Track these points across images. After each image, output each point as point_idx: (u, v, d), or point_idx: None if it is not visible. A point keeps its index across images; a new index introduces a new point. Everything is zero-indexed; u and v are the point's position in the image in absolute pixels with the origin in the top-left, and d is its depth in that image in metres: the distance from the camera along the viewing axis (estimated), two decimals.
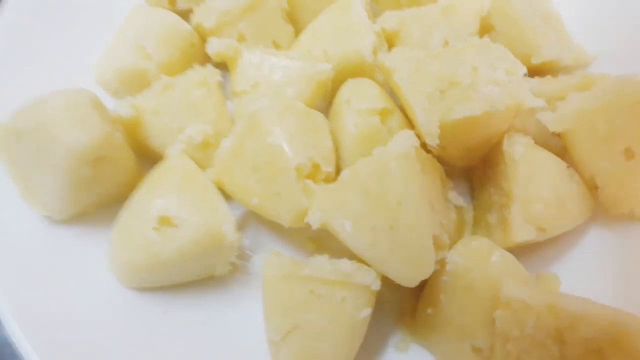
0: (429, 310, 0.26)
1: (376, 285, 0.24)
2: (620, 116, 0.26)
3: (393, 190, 0.24)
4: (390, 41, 0.32)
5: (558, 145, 0.29)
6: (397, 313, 0.28)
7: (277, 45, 0.33)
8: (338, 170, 0.28)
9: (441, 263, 0.25)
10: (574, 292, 0.26)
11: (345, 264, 0.25)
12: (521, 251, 0.28)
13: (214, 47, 0.30)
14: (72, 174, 0.26)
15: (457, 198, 0.30)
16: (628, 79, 0.27)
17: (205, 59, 0.32)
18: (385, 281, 0.26)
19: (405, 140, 0.25)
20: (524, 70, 0.27)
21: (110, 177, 0.27)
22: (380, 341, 0.27)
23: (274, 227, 0.29)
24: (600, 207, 0.29)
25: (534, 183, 0.27)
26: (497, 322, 0.24)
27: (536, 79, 0.30)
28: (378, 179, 0.24)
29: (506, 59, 0.28)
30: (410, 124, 0.28)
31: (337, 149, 0.29)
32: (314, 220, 0.25)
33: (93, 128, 0.26)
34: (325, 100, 0.31)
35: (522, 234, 0.26)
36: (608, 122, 0.27)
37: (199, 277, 0.28)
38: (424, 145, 0.27)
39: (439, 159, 0.29)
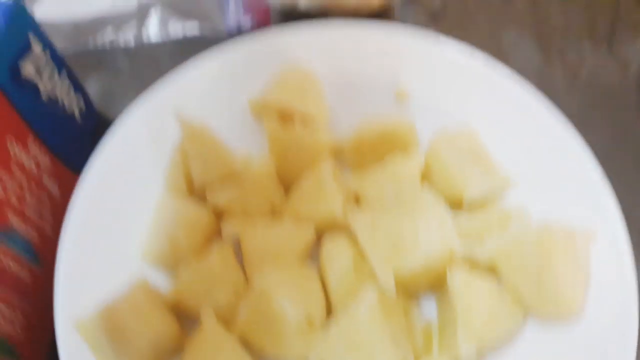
0: None
1: None
2: (525, 251, 0.36)
3: (362, 337, 0.34)
4: (355, 197, 0.42)
5: None
6: None
7: (273, 206, 0.43)
8: (330, 310, 0.38)
9: None
10: None
11: None
12: None
13: (227, 230, 0.40)
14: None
15: (420, 318, 0.39)
16: (528, 225, 0.37)
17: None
18: None
19: (367, 296, 0.35)
20: (451, 223, 0.37)
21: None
22: None
23: None
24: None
25: (472, 309, 0.36)
26: None
27: (464, 217, 0.40)
28: (352, 329, 0.34)
29: (439, 212, 0.37)
30: None
31: (326, 294, 0.39)
32: None
33: (155, 326, 0.36)
34: (315, 249, 0.41)
35: (466, 350, 0.35)
36: (519, 254, 0.36)
37: None
38: None
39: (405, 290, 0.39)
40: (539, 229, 0.36)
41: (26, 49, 0.39)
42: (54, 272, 0.39)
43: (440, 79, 0.43)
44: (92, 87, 0.54)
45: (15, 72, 0.38)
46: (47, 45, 0.41)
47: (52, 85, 0.43)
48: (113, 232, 0.41)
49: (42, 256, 0.41)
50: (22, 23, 0.39)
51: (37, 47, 0.40)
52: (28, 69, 0.39)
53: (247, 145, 0.44)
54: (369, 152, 0.42)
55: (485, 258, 0.37)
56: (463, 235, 0.38)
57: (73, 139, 0.47)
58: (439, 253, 0.35)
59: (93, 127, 0.50)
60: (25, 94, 0.40)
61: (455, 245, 0.36)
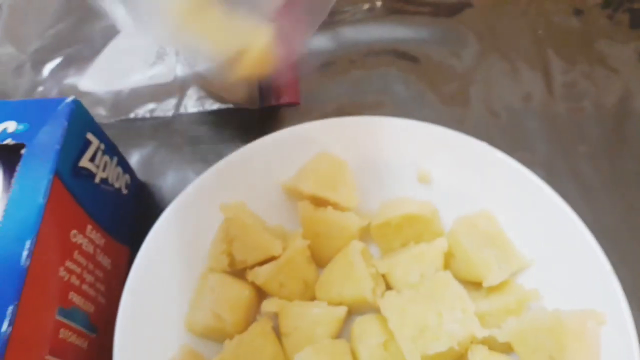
0: None
1: None
2: (540, 335, 0.39)
3: None
4: (384, 277, 0.46)
5: None
6: None
7: (306, 284, 0.47)
8: None
9: None
10: None
11: None
12: None
13: (266, 308, 0.44)
14: None
15: None
16: (542, 310, 0.41)
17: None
18: None
19: None
20: (473, 308, 0.41)
21: None
22: None
23: None
24: None
25: None
26: None
27: (485, 302, 0.43)
28: None
29: (461, 298, 0.41)
30: None
31: None
32: None
33: None
34: (346, 326, 0.45)
35: None
36: (534, 337, 0.40)
37: None
38: None
39: None
40: (553, 314, 0.39)
41: (86, 146, 0.43)
42: (106, 337, 0.43)
43: (458, 165, 0.48)
44: (134, 155, 0.58)
45: (76, 168, 0.43)
46: (102, 139, 0.45)
47: (106, 171, 0.47)
48: (163, 306, 0.45)
49: (97, 324, 0.45)
50: (82, 121, 0.44)
51: (94, 142, 0.44)
52: (87, 163, 0.43)
53: (282, 221, 0.48)
54: (395, 233, 0.46)
55: (502, 337, 0.40)
56: (483, 317, 0.41)
57: (120, 212, 0.51)
58: (462, 338, 0.39)
59: (134, 192, 0.54)
60: (83, 186, 0.44)
61: (476, 331, 0.39)
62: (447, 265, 0.45)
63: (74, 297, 0.42)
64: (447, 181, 0.48)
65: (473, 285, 0.44)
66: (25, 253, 0.36)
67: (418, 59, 0.60)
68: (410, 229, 0.45)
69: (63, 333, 0.40)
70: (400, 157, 0.48)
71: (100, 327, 0.45)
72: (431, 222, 0.45)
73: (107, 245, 0.47)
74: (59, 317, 0.40)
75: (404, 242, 0.46)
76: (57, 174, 0.40)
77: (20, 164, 0.39)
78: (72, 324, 0.41)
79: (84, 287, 0.43)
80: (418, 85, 0.58)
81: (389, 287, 0.45)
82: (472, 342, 0.41)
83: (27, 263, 0.36)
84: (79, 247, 0.42)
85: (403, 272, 0.44)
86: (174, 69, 0.60)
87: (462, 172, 0.47)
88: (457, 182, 0.48)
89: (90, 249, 0.44)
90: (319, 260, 0.47)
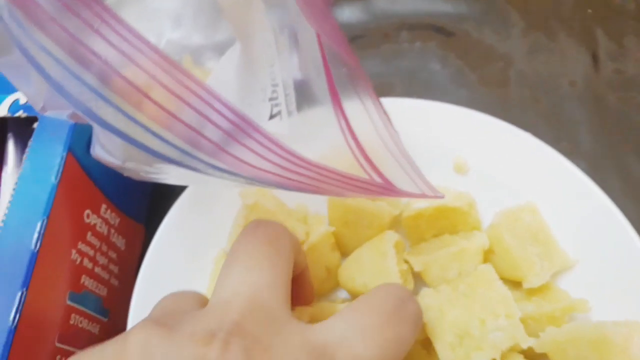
0: None
1: None
2: (581, 348, 0.37)
3: None
4: (416, 274, 0.43)
5: None
6: None
7: (329, 271, 0.44)
8: None
9: None
10: None
11: None
12: None
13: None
14: None
15: None
16: (588, 321, 0.38)
17: None
18: None
19: None
20: (519, 314, 0.38)
21: None
22: None
23: None
24: None
25: None
26: None
27: (531, 306, 0.40)
28: None
29: (505, 303, 0.38)
30: None
31: None
32: None
33: None
34: None
35: None
36: (575, 350, 0.37)
37: None
38: None
39: None
40: (597, 326, 0.36)
41: None
42: (118, 320, 0.42)
43: (497, 155, 0.45)
44: None
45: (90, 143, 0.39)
46: None
47: None
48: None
49: (109, 307, 0.43)
50: None
51: None
52: None
53: (305, 201, 0.46)
54: (427, 224, 0.43)
55: (540, 348, 0.38)
56: (524, 322, 0.38)
57: (136, 189, 0.48)
58: (506, 347, 0.36)
59: None
60: (98, 163, 0.41)
61: (522, 341, 0.36)
62: (485, 262, 0.42)
63: (86, 281, 0.39)
64: (485, 172, 0.45)
65: (511, 284, 0.41)
66: (35, 236, 0.34)
67: (456, 35, 0.56)
68: (444, 221, 0.43)
69: (74, 319, 0.38)
70: (435, 144, 0.45)
71: (112, 310, 0.43)
72: (467, 215, 0.42)
73: (122, 224, 0.45)
74: (70, 303, 0.37)
75: (436, 234, 0.43)
76: (71, 150, 0.37)
77: (32, 139, 0.36)
78: (84, 309, 0.39)
79: (97, 269, 0.41)
80: (455, 64, 0.54)
81: (422, 283, 0.42)
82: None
83: (38, 247, 0.34)
84: (92, 228, 0.40)
85: (439, 269, 0.41)
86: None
87: (502, 162, 0.44)
88: (495, 173, 0.44)
89: (104, 229, 0.41)
90: (344, 249, 0.45)
